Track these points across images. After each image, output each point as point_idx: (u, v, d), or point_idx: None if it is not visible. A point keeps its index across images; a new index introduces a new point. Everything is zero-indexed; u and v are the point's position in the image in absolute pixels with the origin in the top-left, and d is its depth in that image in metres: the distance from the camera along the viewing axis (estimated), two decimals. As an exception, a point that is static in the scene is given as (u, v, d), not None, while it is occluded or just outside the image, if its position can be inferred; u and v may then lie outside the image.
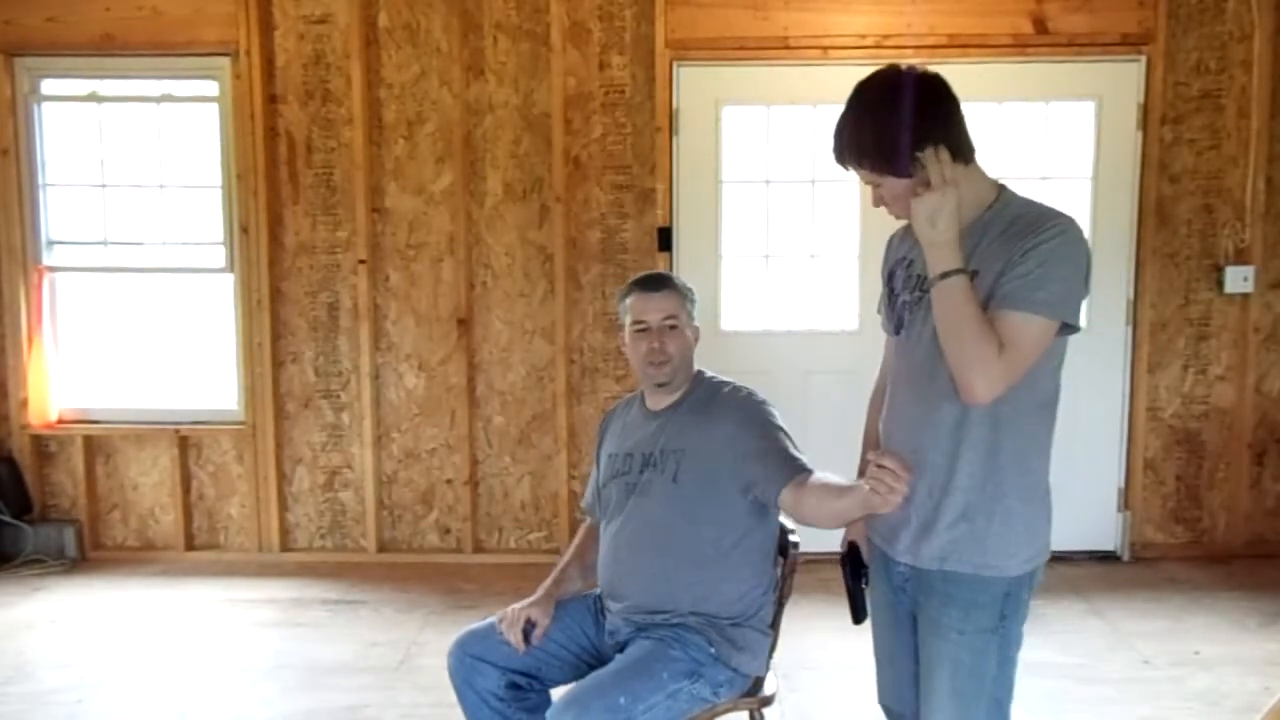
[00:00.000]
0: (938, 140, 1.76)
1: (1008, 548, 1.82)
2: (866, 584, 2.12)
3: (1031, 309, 1.72)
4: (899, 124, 1.76)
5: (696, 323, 2.44)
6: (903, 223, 1.96)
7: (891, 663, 2.06)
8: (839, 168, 1.88)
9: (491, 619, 2.40)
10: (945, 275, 1.73)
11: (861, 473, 1.99)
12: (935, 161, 1.74)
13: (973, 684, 1.83)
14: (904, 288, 1.96)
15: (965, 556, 1.82)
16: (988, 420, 1.79)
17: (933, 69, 1.83)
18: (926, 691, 1.89)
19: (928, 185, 1.75)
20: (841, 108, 1.85)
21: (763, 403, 2.37)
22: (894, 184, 1.81)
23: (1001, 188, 1.87)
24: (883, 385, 2.11)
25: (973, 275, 1.75)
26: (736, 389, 2.39)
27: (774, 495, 2.20)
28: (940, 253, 1.75)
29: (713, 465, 2.28)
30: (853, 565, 2.13)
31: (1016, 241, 1.75)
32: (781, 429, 2.31)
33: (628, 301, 2.41)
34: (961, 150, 1.80)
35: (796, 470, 2.21)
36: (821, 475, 2.16)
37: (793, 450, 2.27)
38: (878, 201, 1.88)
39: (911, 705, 2.00)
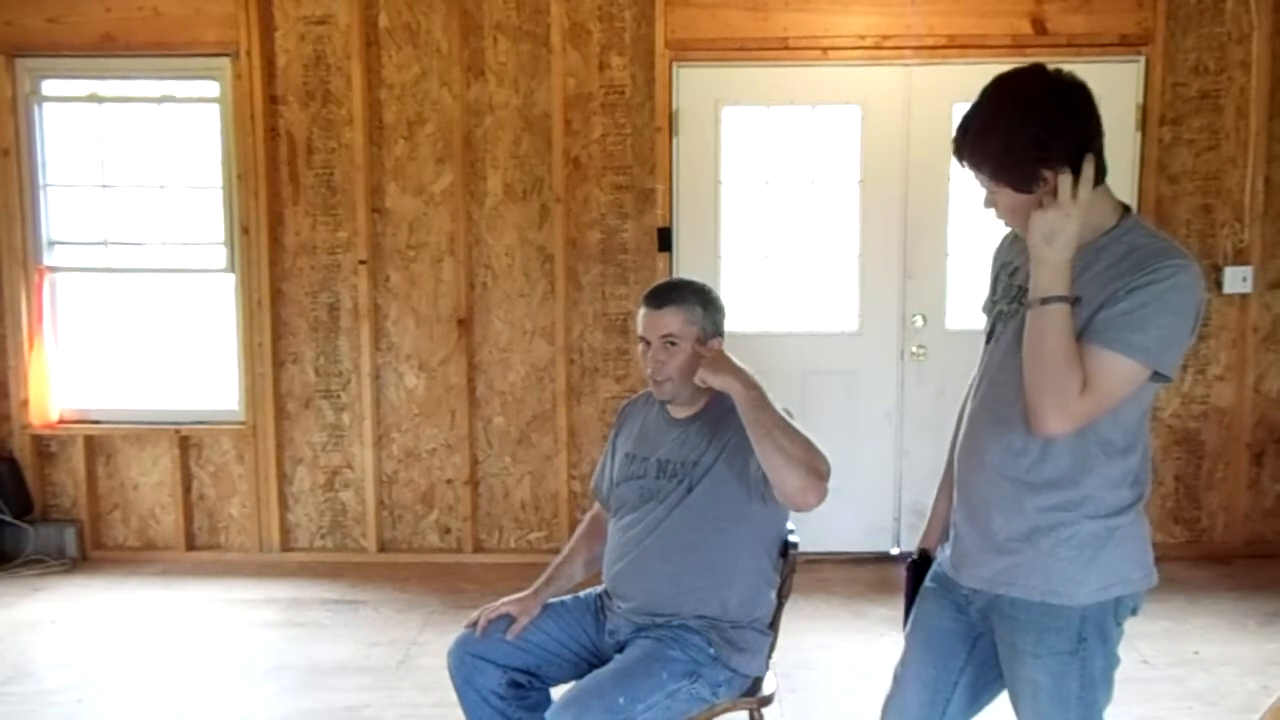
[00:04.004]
0: (1070, 160, 1.63)
1: (1075, 574, 1.73)
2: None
3: (1125, 351, 1.62)
4: (1030, 137, 1.64)
5: (720, 334, 2.37)
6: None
7: (914, 684, 1.98)
8: (957, 162, 1.76)
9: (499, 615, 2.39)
10: (1047, 300, 1.64)
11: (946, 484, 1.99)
12: (1068, 179, 1.62)
13: (1055, 706, 1.77)
14: (1003, 296, 1.87)
15: (1032, 583, 1.75)
16: (1063, 448, 1.72)
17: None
18: (1018, 715, 1.86)
19: (1053, 196, 1.63)
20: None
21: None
22: (1010, 197, 1.71)
23: (1125, 212, 1.75)
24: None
25: (1075, 301, 1.66)
26: None
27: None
28: (1049, 274, 1.64)
29: (726, 477, 2.28)
30: (919, 572, 2.05)
31: (1126, 275, 1.64)
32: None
33: (639, 314, 2.38)
34: (1094, 171, 1.67)
35: None
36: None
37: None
38: (989, 205, 1.77)
39: None
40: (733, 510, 2.28)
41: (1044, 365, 1.65)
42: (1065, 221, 1.62)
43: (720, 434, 2.31)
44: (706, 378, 2.19)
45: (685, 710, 2.20)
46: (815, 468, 2.13)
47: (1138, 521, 1.78)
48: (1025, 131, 1.65)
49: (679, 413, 2.40)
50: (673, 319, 2.31)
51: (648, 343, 2.34)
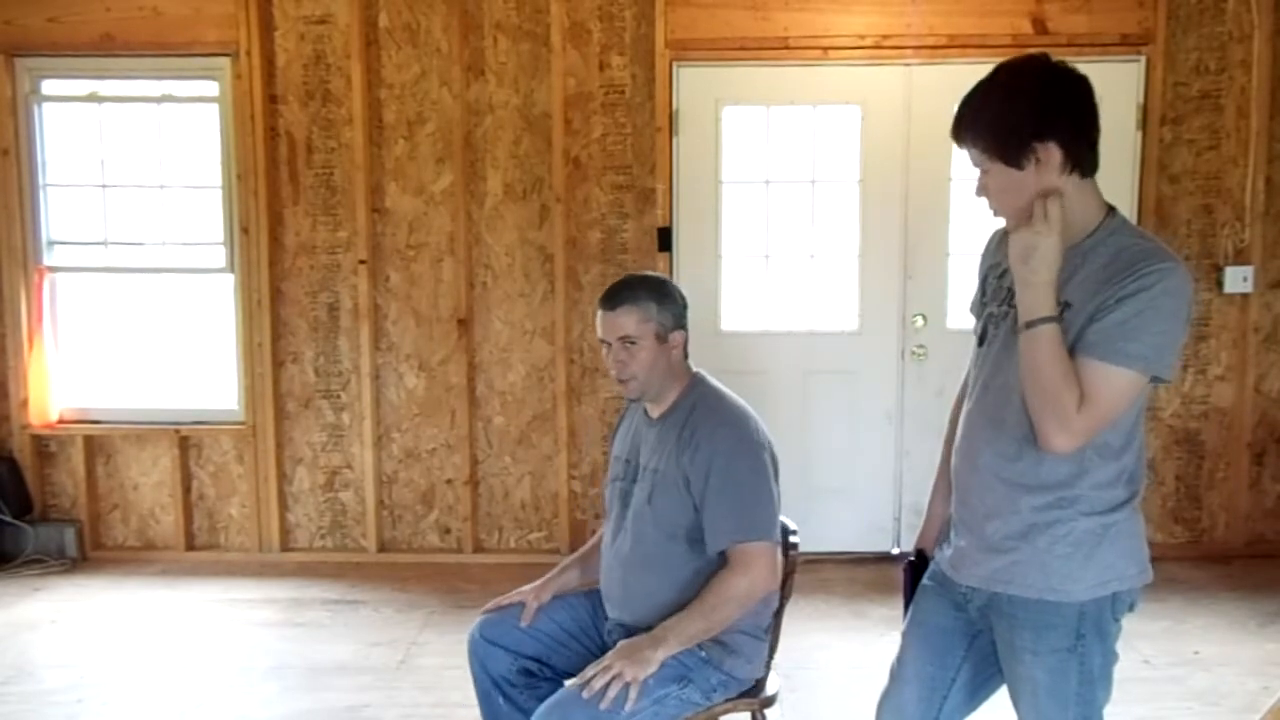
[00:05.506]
0: (1062, 139, 1.66)
1: (1071, 571, 1.74)
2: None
3: (1122, 362, 1.63)
4: (1023, 111, 1.67)
5: (681, 327, 2.33)
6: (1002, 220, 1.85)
7: (912, 681, 1.98)
8: (955, 144, 1.78)
9: (511, 602, 2.44)
10: (1033, 324, 1.65)
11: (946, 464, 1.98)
12: (1041, 201, 1.65)
13: (1055, 703, 1.78)
14: (993, 298, 1.87)
15: (1029, 580, 1.76)
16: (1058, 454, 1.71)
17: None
18: (1017, 712, 1.86)
19: (1029, 217, 1.66)
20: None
21: (739, 452, 2.24)
22: (1001, 174, 1.71)
23: (1110, 211, 1.75)
24: (964, 395, 1.97)
25: (1065, 307, 1.67)
26: (721, 425, 2.26)
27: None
28: (1032, 295, 1.65)
29: (683, 497, 2.24)
30: (916, 572, 2.05)
31: (1115, 281, 1.65)
32: (747, 487, 2.21)
33: (597, 316, 2.35)
34: (1081, 163, 1.70)
35: (723, 545, 2.20)
36: (714, 581, 2.18)
37: (733, 522, 2.19)
38: (981, 190, 1.78)
39: None
40: (695, 522, 2.24)
41: (1041, 387, 1.66)
42: (1038, 239, 1.65)
43: (682, 451, 2.25)
44: (637, 676, 2.07)
45: (675, 715, 2.16)
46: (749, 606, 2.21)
47: (1133, 518, 1.79)
48: (1019, 103, 1.69)
49: (654, 410, 2.38)
50: (627, 319, 2.28)
51: (609, 344, 2.32)
